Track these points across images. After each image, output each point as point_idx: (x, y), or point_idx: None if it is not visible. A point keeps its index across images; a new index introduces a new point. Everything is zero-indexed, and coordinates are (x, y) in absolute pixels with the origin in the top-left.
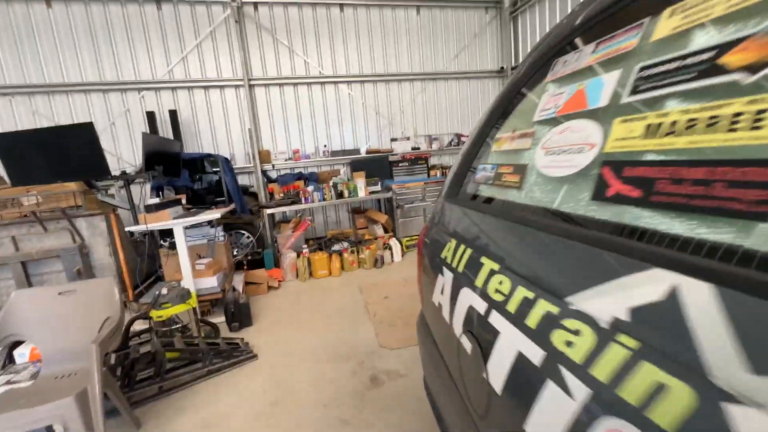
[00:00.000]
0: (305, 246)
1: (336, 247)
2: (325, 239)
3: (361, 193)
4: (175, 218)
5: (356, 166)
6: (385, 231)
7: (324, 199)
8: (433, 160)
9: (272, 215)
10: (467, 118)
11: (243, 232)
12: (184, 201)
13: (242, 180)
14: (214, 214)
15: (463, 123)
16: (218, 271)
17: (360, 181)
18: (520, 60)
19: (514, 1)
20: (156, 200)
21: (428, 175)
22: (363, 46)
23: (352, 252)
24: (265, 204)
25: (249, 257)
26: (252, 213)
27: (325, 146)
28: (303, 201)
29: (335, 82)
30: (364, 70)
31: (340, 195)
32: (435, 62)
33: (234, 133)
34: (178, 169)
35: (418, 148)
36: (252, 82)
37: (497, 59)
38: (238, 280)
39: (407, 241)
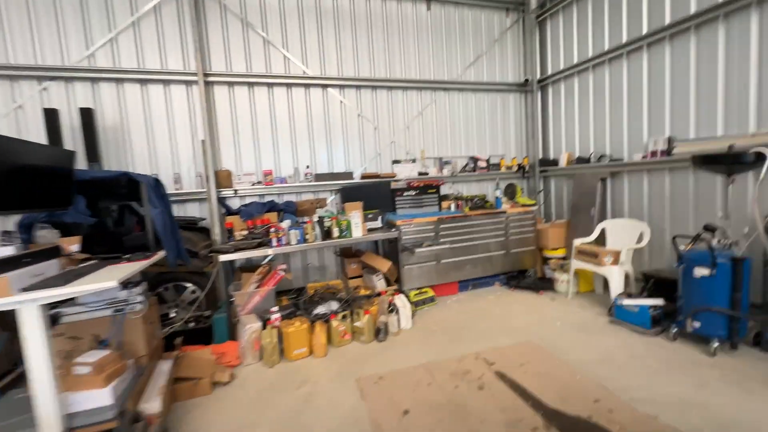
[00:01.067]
0: (276, 309)
1: (320, 309)
2: (305, 297)
3: (357, 232)
4: (25, 289)
5: (348, 194)
6: (387, 282)
7: (305, 240)
8: (444, 189)
9: (231, 262)
10: (485, 138)
11: (187, 284)
12: (76, 247)
13: (191, 210)
14: (118, 272)
15: (480, 144)
16: (118, 373)
17: (355, 216)
18: (549, 72)
19: (542, 2)
20: (8, 250)
21: (440, 208)
22: (360, 44)
23: (344, 317)
24: (219, 246)
25: (192, 323)
26: (198, 257)
27: (308, 168)
28: (274, 243)
29: (323, 86)
30: (360, 73)
31: (327, 234)
32: (448, 69)
33: (181, 146)
34: (67, 196)
35: (427, 174)
36: (210, 79)
37: (521, 70)
38: (161, 378)
39: (416, 295)
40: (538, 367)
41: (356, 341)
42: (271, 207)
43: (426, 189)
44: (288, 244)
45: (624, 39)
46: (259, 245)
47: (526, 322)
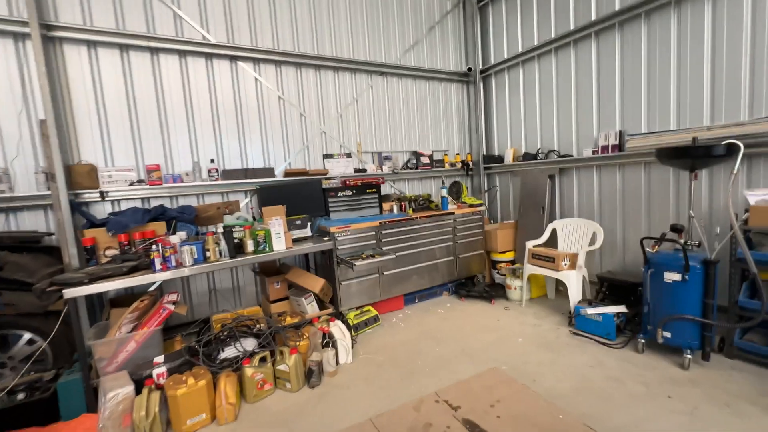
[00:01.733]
0: (161, 360)
1: (229, 352)
2: (209, 336)
3: (279, 245)
4: None
5: (268, 195)
6: (320, 305)
7: (205, 259)
8: (385, 188)
9: (98, 295)
10: (427, 131)
11: (22, 332)
12: None
13: (29, 221)
14: None
15: (422, 138)
16: None
17: (276, 223)
18: (492, 61)
19: None
20: None
21: (381, 210)
22: (280, 9)
23: (263, 360)
24: (64, 277)
25: (26, 393)
26: (37, 291)
27: (213, 163)
28: (158, 265)
29: (232, 58)
30: (281, 45)
31: (238, 248)
32: (386, 52)
33: (7, 129)
34: None
35: (365, 170)
36: (55, 33)
37: (462, 58)
38: None
39: (356, 316)
40: (513, 408)
41: (281, 389)
42: (159, 214)
43: (364, 188)
44: (180, 265)
45: (571, 26)
46: (133, 270)
47: (485, 342)
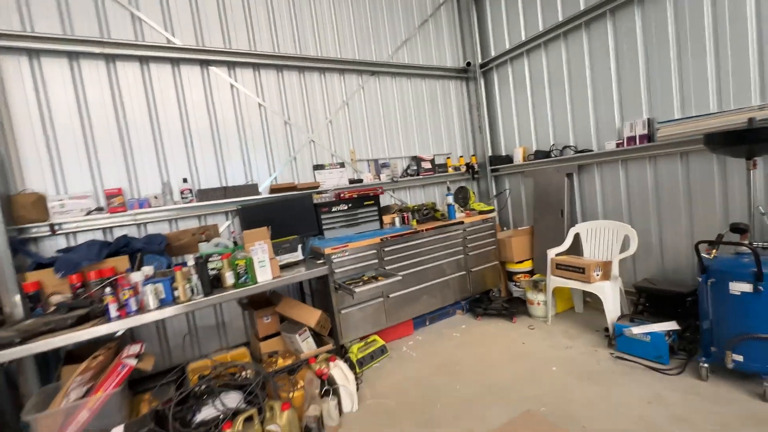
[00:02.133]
0: (120, 430)
1: (207, 411)
2: (183, 392)
3: (265, 274)
4: None
5: (252, 215)
6: (318, 340)
7: (174, 299)
8: (384, 199)
9: (36, 356)
10: (426, 134)
11: None
12: None
13: None
14: None
15: (422, 141)
16: None
17: (259, 249)
18: (493, 54)
19: None
20: None
21: (381, 224)
22: (256, 5)
23: (248, 420)
24: None
25: None
26: None
27: (186, 182)
28: (113, 311)
29: (202, 62)
30: (258, 46)
31: (215, 282)
32: (376, 49)
33: None
34: None
35: (360, 181)
36: None
37: (460, 53)
38: None
39: (361, 349)
40: None
41: None
42: (121, 247)
43: (361, 201)
44: (142, 309)
45: (581, 5)
46: (82, 320)
47: (514, 374)
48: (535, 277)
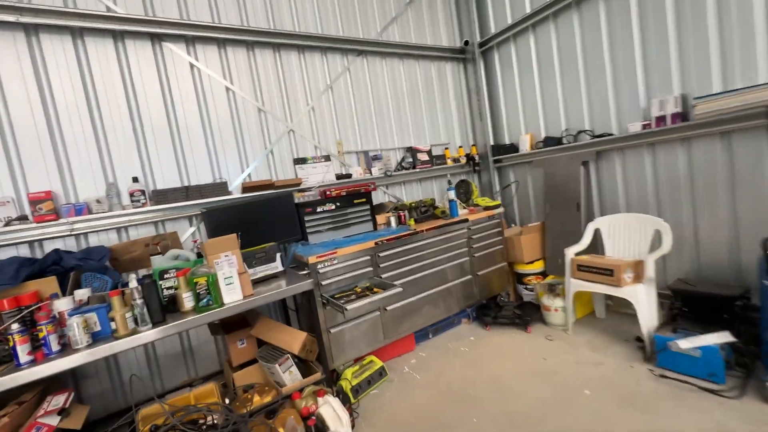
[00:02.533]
0: None
1: None
2: None
3: (233, 295)
4: None
5: (221, 219)
6: (302, 365)
7: (113, 332)
8: (377, 196)
9: None
10: (422, 122)
11: None
12: None
13: None
14: None
15: (417, 131)
16: None
17: (226, 263)
18: (493, 30)
19: None
20: None
21: (375, 225)
22: None
23: None
24: None
25: None
26: None
27: (137, 182)
28: (23, 354)
29: (154, 36)
30: (223, 18)
31: (171, 304)
32: (363, 25)
33: None
34: None
35: (349, 176)
36: None
37: (456, 31)
38: None
39: (355, 374)
40: None
41: None
42: (49, 264)
43: (351, 199)
44: (65, 348)
45: None
46: None
47: (539, 400)
48: (550, 279)
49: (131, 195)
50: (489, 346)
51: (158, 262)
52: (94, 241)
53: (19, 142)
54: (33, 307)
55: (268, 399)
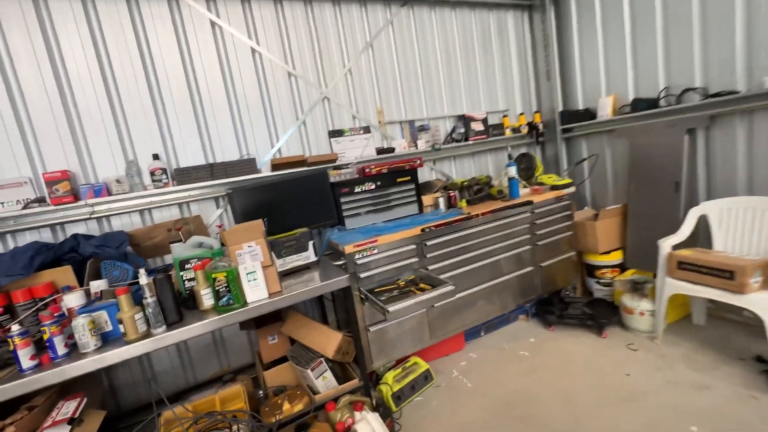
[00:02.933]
0: None
1: None
2: None
3: (258, 293)
4: None
5: (247, 200)
6: (338, 369)
7: (123, 335)
8: (423, 173)
9: None
10: (477, 85)
11: None
12: None
13: None
14: None
15: (471, 96)
16: None
17: (248, 254)
18: None
19: None
20: None
21: (421, 208)
22: None
23: None
24: None
25: None
26: None
27: (157, 159)
28: (26, 361)
29: None
30: None
31: (190, 300)
32: None
33: None
34: None
35: (392, 150)
36: None
37: None
38: None
39: (397, 378)
40: None
41: None
42: (65, 252)
43: (393, 177)
44: (72, 352)
45: None
46: None
47: None
48: (630, 274)
49: (152, 174)
50: (554, 352)
51: (179, 250)
52: (116, 224)
53: (32, 115)
54: (47, 300)
55: (299, 407)
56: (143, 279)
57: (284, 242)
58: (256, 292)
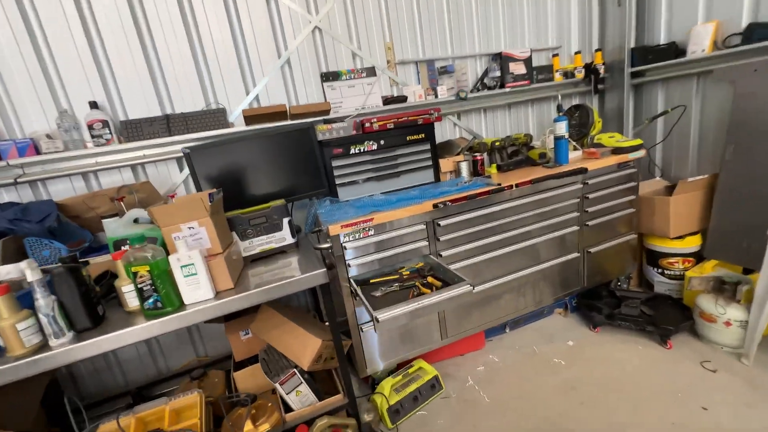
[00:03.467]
0: None
1: None
2: None
3: (198, 292)
4: None
5: (211, 164)
6: (324, 379)
7: (6, 353)
8: (443, 129)
9: None
10: (520, 14)
11: None
12: None
13: None
14: None
15: (510, 28)
16: None
17: (183, 242)
18: None
19: None
20: None
21: (437, 175)
22: None
23: None
24: None
25: None
26: None
27: (96, 109)
28: None
29: None
30: None
31: (105, 296)
32: None
33: None
34: None
35: (403, 99)
36: None
37: None
38: None
39: (395, 388)
40: None
41: None
42: None
43: (403, 134)
44: None
45: None
46: None
47: None
48: (713, 267)
49: (89, 127)
50: (600, 363)
51: (113, 227)
52: (54, 190)
53: None
54: None
55: (264, 427)
56: (32, 274)
57: (249, 219)
58: (196, 291)
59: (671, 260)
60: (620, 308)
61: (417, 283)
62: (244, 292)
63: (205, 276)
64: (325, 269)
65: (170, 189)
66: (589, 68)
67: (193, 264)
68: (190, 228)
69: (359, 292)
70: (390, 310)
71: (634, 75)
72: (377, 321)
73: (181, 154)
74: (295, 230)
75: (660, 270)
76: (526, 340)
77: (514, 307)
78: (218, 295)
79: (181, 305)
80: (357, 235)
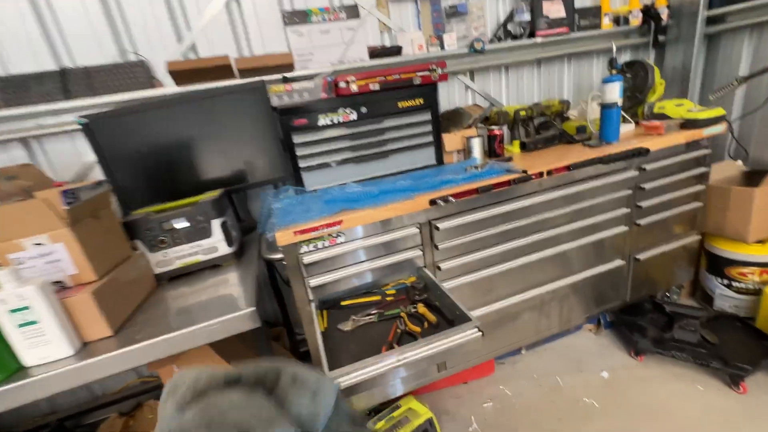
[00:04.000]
0: None
1: None
2: None
3: (46, 348)
4: None
5: (121, 140)
6: None
7: None
8: (449, 92)
9: None
10: None
11: None
12: None
13: None
14: None
15: None
16: None
17: (39, 259)
18: None
19: None
20: None
21: (439, 157)
22: None
23: None
24: None
25: None
26: None
27: None
28: None
29: None
30: None
31: None
32: None
33: None
34: None
35: (398, 50)
36: None
37: None
38: None
39: None
40: None
41: None
42: None
43: (393, 99)
44: None
45: None
46: None
47: None
48: None
49: None
50: (646, 409)
51: None
52: None
53: None
54: None
55: None
56: None
57: (161, 222)
58: (42, 346)
59: (743, 270)
60: (672, 331)
61: (403, 314)
62: (126, 346)
63: (55, 323)
64: (252, 309)
65: (80, 173)
66: (649, 12)
67: (28, 308)
68: (36, 245)
69: (320, 341)
70: (355, 371)
71: (710, 21)
72: (340, 388)
73: (74, 124)
74: (233, 235)
75: (726, 281)
76: (547, 366)
77: (535, 329)
78: (86, 348)
79: (19, 369)
80: (321, 244)
